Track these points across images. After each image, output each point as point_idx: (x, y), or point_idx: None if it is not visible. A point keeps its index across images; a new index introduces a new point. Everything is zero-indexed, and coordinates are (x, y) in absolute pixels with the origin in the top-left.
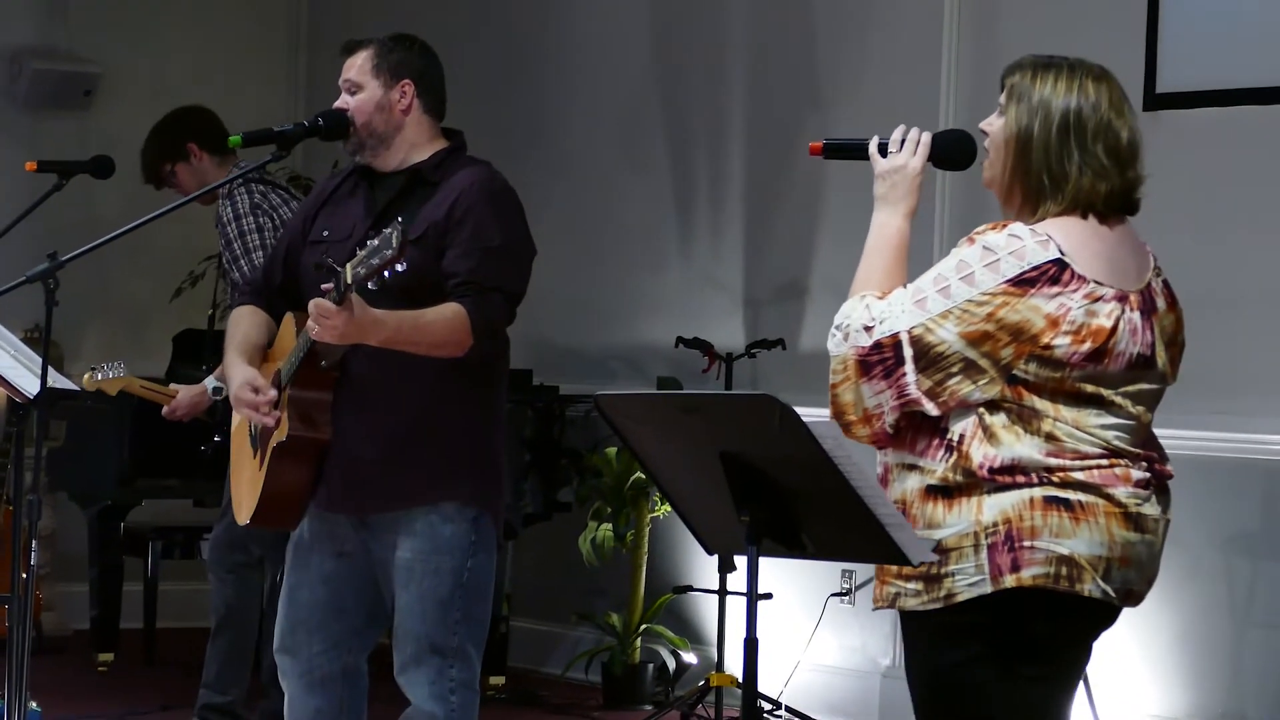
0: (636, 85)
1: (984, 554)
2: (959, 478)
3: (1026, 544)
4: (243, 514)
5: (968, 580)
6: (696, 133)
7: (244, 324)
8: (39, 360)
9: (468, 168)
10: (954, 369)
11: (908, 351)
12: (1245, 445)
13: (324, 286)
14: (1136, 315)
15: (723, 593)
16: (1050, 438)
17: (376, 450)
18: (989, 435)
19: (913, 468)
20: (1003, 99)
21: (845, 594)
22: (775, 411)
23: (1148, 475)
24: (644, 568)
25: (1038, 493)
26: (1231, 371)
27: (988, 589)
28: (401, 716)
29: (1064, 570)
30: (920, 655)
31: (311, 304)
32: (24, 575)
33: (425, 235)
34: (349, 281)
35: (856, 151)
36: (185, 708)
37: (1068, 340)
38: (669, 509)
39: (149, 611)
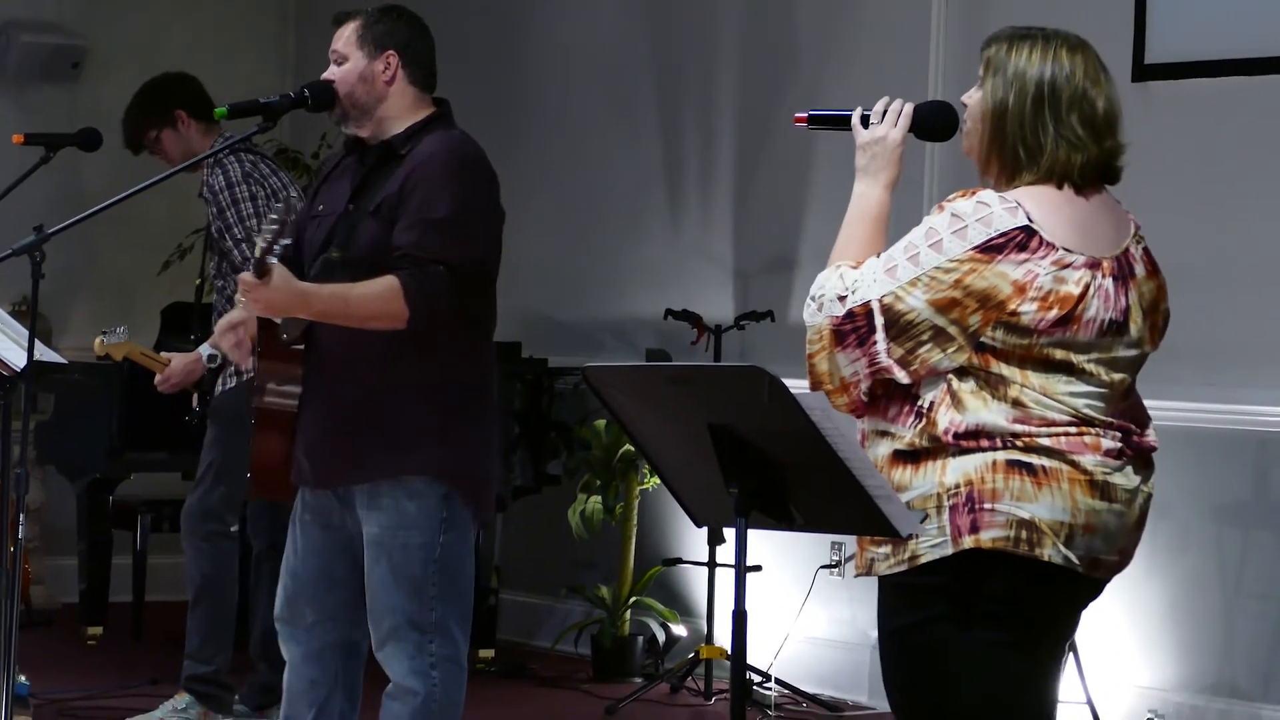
0: (626, 58)
1: (945, 515)
2: (925, 443)
3: (987, 506)
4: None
5: (930, 542)
6: (686, 104)
7: None
8: (26, 333)
9: (433, 138)
10: (924, 337)
11: (879, 320)
12: (1236, 416)
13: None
14: (1109, 282)
15: (712, 565)
16: (1017, 404)
17: (333, 424)
18: (956, 402)
19: (885, 434)
20: (981, 71)
21: (835, 566)
22: (764, 383)
23: (1120, 445)
24: (633, 540)
25: (1000, 456)
26: (1221, 342)
27: (948, 550)
28: (384, 694)
29: (1024, 534)
30: (885, 617)
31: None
32: (11, 549)
33: (380, 208)
34: (256, 255)
35: (840, 123)
36: (175, 681)
37: (1035, 306)
38: (658, 481)
39: (138, 585)
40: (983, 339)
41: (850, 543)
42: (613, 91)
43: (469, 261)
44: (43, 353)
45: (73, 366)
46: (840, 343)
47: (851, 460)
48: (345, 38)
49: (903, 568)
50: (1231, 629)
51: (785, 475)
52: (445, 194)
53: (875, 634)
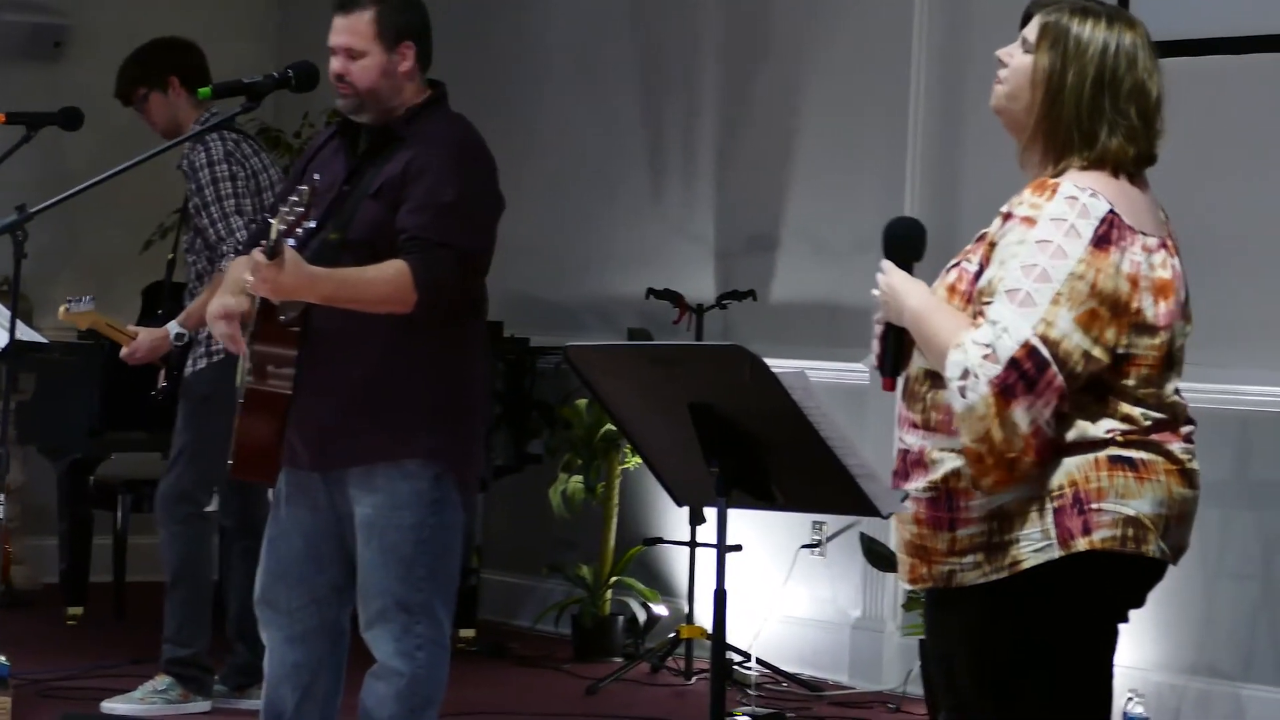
0: (608, 37)
1: (1049, 518)
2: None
3: (1094, 506)
4: (231, 466)
5: (1033, 546)
6: (668, 84)
7: (235, 271)
8: (7, 313)
9: (436, 121)
10: (1078, 369)
11: (1045, 352)
12: (1219, 395)
13: (261, 242)
14: (1177, 260)
15: (693, 545)
16: (1128, 419)
17: (334, 407)
18: (1066, 420)
19: (958, 452)
20: (1031, 34)
21: (816, 545)
22: (745, 362)
23: (1192, 428)
24: (614, 520)
25: (1102, 453)
26: (1203, 321)
27: (1056, 554)
28: (368, 674)
29: (1130, 531)
30: (983, 627)
31: (249, 257)
32: None
33: (381, 190)
34: (273, 236)
35: (898, 343)
36: (155, 661)
37: (1151, 299)
38: (639, 461)
39: (118, 565)
40: (1119, 350)
41: (831, 522)
42: (593, 70)
43: (476, 247)
44: (24, 332)
45: (54, 346)
46: (1011, 399)
47: (833, 439)
48: (360, 31)
49: (1002, 575)
50: (1212, 609)
51: (766, 454)
52: (454, 179)
53: (856, 614)
